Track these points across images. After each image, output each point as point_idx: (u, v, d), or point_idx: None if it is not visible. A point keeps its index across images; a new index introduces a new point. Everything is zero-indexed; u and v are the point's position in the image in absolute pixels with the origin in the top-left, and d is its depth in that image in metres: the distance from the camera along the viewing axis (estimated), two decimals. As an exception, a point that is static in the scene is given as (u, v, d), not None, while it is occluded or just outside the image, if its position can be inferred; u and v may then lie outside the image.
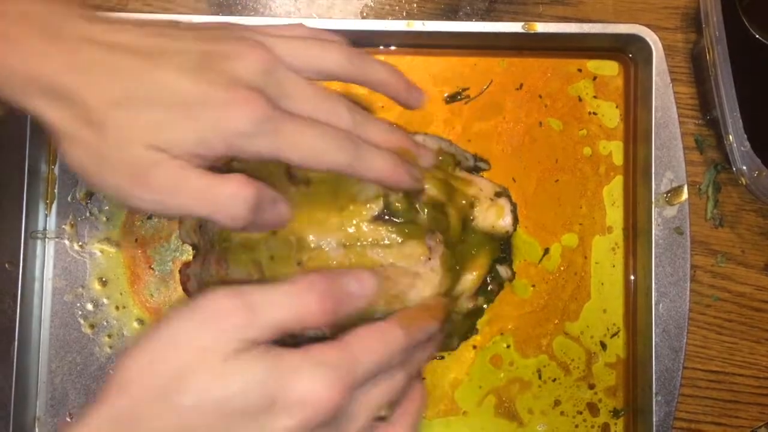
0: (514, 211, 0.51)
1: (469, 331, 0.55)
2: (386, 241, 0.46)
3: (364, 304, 0.38)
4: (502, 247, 0.53)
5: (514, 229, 0.52)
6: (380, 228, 0.46)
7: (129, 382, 0.33)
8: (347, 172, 0.39)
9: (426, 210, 0.47)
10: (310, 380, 0.34)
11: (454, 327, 0.53)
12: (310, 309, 0.35)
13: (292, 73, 0.39)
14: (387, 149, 0.41)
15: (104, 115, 0.35)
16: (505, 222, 0.51)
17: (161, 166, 0.36)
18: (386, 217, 0.46)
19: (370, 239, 0.46)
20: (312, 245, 0.46)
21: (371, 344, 0.37)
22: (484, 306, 0.54)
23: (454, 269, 0.48)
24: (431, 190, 0.48)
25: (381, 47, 0.57)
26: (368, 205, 0.46)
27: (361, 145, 0.40)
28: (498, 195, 0.51)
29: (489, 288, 0.53)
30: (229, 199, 0.36)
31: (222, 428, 0.33)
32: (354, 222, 0.46)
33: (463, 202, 0.50)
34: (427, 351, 0.43)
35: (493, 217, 0.51)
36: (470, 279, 0.50)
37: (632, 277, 0.56)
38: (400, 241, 0.46)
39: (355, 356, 0.36)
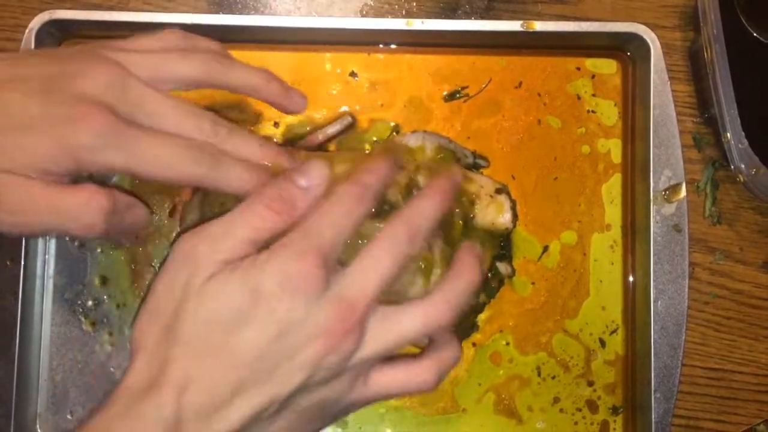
0: (513, 208, 0.52)
1: (471, 328, 0.55)
2: (386, 239, 0.46)
3: (321, 191, 0.39)
4: (502, 243, 0.54)
5: (514, 226, 0.52)
6: (380, 224, 0.46)
7: (141, 340, 0.36)
8: (205, 185, 0.40)
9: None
10: (279, 264, 0.36)
11: (456, 325, 0.53)
12: (264, 216, 0.37)
13: (145, 87, 0.40)
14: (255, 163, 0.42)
15: None
16: (504, 218, 0.51)
17: (9, 185, 0.37)
18: (385, 214, 0.46)
19: (369, 236, 0.46)
20: (312, 242, 0.46)
21: (325, 210, 0.38)
22: (485, 303, 0.54)
23: (453, 266, 0.48)
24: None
25: (380, 45, 0.57)
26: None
27: (220, 157, 0.40)
28: (498, 192, 0.52)
29: (490, 285, 0.53)
30: (81, 207, 0.38)
31: (227, 336, 0.35)
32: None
33: (464, 199, 0.50)
34: (433, 200, 0.41)
35: (493, 213, 0.51)
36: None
37: (631, 275, 0.56)
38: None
39: (313, 228, 0.37)
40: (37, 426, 0.54)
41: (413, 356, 0.41)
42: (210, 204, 0.49)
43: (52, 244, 0.55)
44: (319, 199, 0.39)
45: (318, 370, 0.36)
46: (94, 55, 0.40)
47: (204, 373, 0.35)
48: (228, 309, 0.35)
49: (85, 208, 0.38)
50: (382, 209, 0.46)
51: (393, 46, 0.58)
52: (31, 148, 0.37)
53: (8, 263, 0.53)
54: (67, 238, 0.55)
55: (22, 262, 0.53)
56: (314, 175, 0.39)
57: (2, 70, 0.39)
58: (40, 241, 0.55)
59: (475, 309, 0.54)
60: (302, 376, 0.36)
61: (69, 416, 0.54)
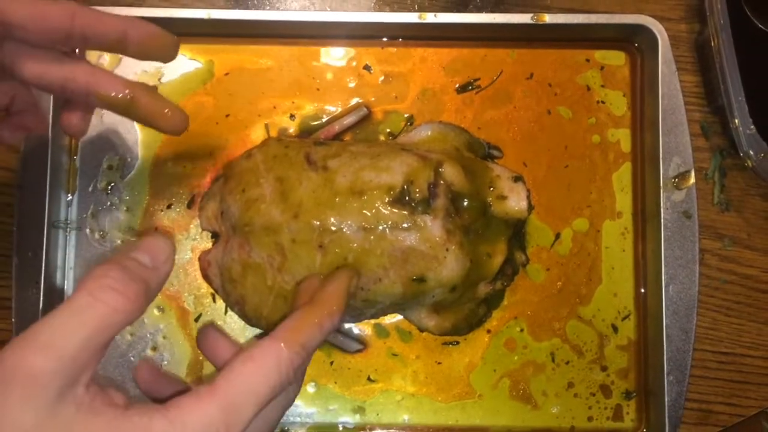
0: (529, 197, 0.52)
1: (485, 316, 0.56)
2: (405, 225, 0.47)
3: (172, 266, 0.35)
4: (516, 232, 0.54)
5: (529, 214, 0.53)
6: (400, 212, 0.47)
7: None
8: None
9: (446, 194, 0.48)
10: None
11: (471, 314, 0.54)
12: (116, 305, 0.31)
13: None
14: None
15: None
16: (521, 207, 0.52)
17: None
18: (406, 202, 0.47)
19: (389, 222, 0.47)
20: (333, 228, 0.47)
21: (250, 383, 0.34)
22: (503, 290, 0.55)
23: (472, 254, 0.49)
24: (451, 174, 0.49)
25: (394, 39, 0.59)
26: (388, 189, 0.47)
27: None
28: (515, 180, 0.52)
29: (506, 273, 0.54)
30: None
31: None
32: (374, 206, 0.47)
33: (482, 187, 0.51)
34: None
35: (510, 202, 0.52)
36: (489, 264, 0.51)
37: (642, 261, 0.57)
38: (419, 224, 0.47)
39: (232, 410, 0.33)
40: (59, 416, 0.55)
41: None
42: (230, 191, 0.50)
43: (73, 236, 0.56)
44: (246, 351, 0.35)
45: None
46: None
47: None
48: None
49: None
50: (401, 198, 0.47)
51: (405, 40, 0.59)
52: None
53: (30, 254, 0.54)
54: (88, 230, 0.56)
55: (44, 254, 0.54)
56: (160, 251, 0.35)
57: None
58: (61, 233, 0.56)
59: (489, 299, 0.55)
60: None
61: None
